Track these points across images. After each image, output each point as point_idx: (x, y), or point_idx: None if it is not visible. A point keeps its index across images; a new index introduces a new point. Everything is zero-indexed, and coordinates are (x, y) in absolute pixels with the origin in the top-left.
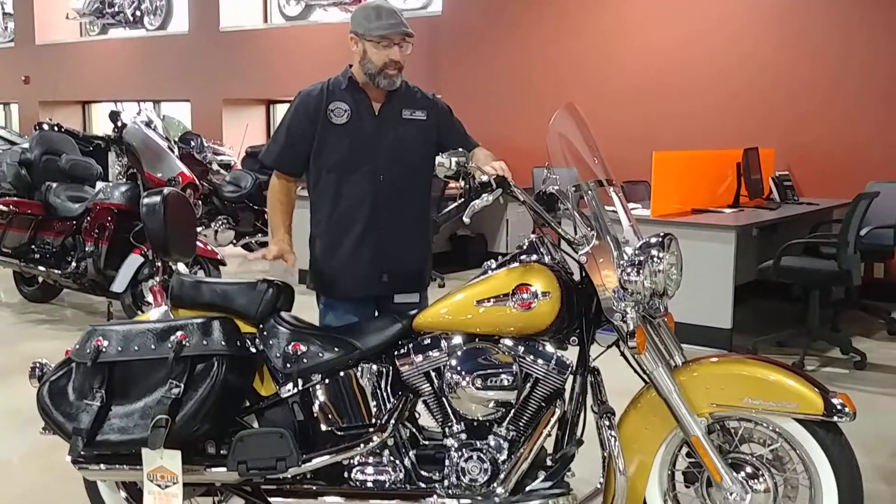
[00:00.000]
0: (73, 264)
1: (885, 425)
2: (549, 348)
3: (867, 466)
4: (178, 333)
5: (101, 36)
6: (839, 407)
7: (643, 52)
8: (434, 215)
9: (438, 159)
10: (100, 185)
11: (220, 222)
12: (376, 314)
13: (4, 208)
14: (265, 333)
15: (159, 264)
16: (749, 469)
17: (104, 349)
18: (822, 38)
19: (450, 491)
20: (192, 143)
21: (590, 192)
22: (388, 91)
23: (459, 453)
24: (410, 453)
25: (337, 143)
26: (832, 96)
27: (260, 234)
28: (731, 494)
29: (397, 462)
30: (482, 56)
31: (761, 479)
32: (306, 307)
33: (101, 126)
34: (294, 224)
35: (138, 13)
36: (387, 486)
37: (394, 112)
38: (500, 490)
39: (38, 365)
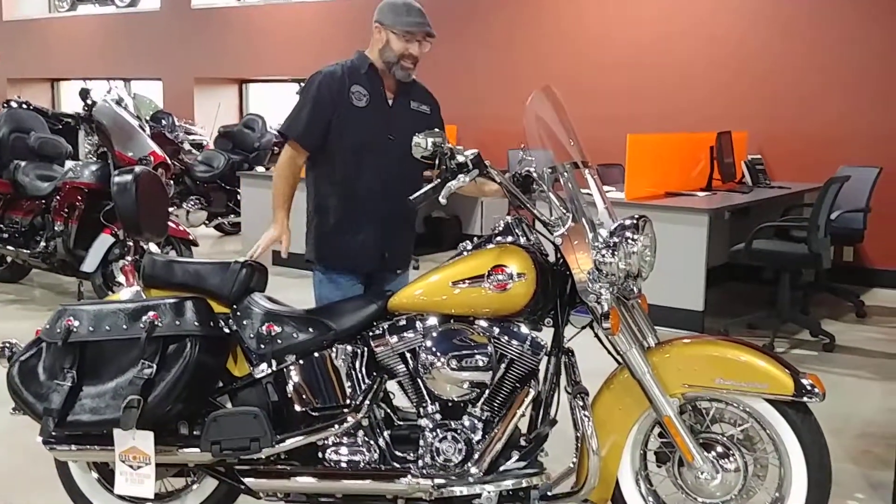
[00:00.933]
0: (43, 244)
1: (853, 406)
2: (524, 329)
3: (835, 446)
4: (151, 313)
5: (70, 12)
6: (809, 388)
7: (619, 38)
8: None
9: (415, 139)
10: (69, 163)
11: (191, 202)
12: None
13: None
14: (239, 314)
15: (131, 244)
16: (720, 449)
17: (75, 329)
18: (795, 22)
19: (424, 471)
20: (164, 123)
21: (565, 173)
22: (401, 84)
23: (434, 433)
24: (385, 434)
25: (357, 126)
26: (804, 81)
27: (232, 215)
28: (702, 474)
29: (371, 442)
30: (461, 38)
31: (732, 459)
32: (280, 287)
33: (70, 104)
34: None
35: None
36: (361, 466)
37: (404, 103)
38: (474, 470)
39: (7, 345)
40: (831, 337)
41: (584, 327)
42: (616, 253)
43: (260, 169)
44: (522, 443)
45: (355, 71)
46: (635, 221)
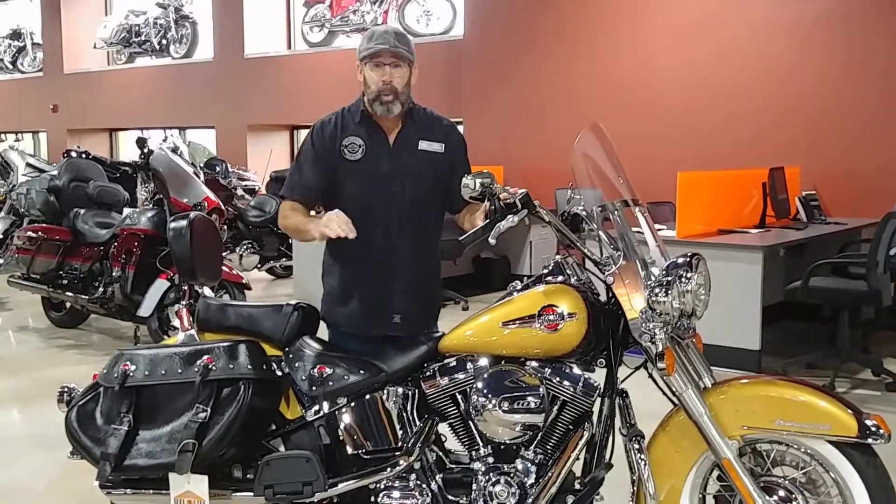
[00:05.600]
0: (101, 290)
1: None
2: (577, 370)
3: None
4: (205, 357)
5: (127, 64)
6: (873, 429)
7: (666, 72)
8: (459, 237)
9: (464, 180)
10: (127, 210)
11: (244, 247)
12: None
13: (33, 234)
14: (291, 356)
15: (186, 288)
16: (782, 492)
17: (131, 373)
18: (847, 55)
19: None
20: (217, 169)
21: (616, 212)
22: (404, 121)
23: (486, 477)
24: (437, 477)
25: (351, 181)
26: (858, 114)
27: (284, 259)
28: None
29: (424, 486)
30: (504, 79)
31: (794, 503)
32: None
33: (127, 153)
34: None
35: (164, 42)
36: None
37: (409, 143)
38: None
39: (66, 389)
40: (894, 376)
41: (637, 368)
42: (670, 291)
43: (311, 213)
44: (577, 486)
45: (350, 120)
46: (688, 259)
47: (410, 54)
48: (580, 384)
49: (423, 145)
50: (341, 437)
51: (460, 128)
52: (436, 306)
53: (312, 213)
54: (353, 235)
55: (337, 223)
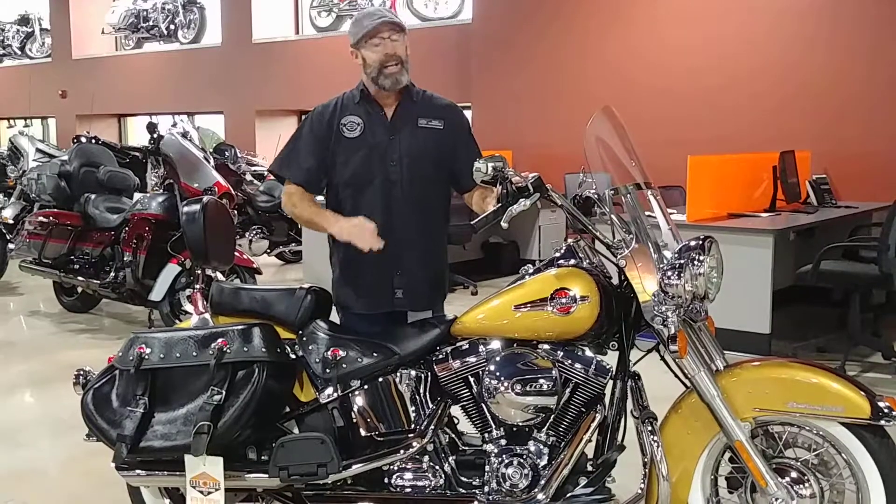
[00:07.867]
0: (112, 274)
1: None
2: (589, 353)
3: None
4: (219, 340)
5: (136, 50)
6: (886, 410)
7: (675, 57)
8: (471, 220)
9: (476, 164)
10: (137, 195)
11: (254, 232)
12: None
13: (45, 220)
14: (304, 339)
15: (199, 272)
16: (794, 474)
17: (147, 356)
18: (857, 37)
19: (490, 497)
20: (227, 154)
21: (628, 195)
22: (401, 98)
23: (499, 459)
24: (450, 459)
25: (350, 157)
26: (868, 98)
27: (293, 244)
28: (776, 500)
29: (437, 468)
30: (512, 63)
31: (807, 485)
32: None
33: (136, 139)
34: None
35: (172, 27)
36: (427, 491)
37: (408, 119)
38: (540, 496)
39: (81, 372)
40: None
41: (650, 350)
42: (682, 274)
43: (319, 198)
44: (589, 468)
45: (350, 101)
46: (701, 242)
47: (403, 24)
48: (592, 367)
49: (422, 122)
50: (355, 420)
51: (468, 112)
52: (442, 286)
53: (319, 198)
54: (377, 249)
55: (370, 238)
